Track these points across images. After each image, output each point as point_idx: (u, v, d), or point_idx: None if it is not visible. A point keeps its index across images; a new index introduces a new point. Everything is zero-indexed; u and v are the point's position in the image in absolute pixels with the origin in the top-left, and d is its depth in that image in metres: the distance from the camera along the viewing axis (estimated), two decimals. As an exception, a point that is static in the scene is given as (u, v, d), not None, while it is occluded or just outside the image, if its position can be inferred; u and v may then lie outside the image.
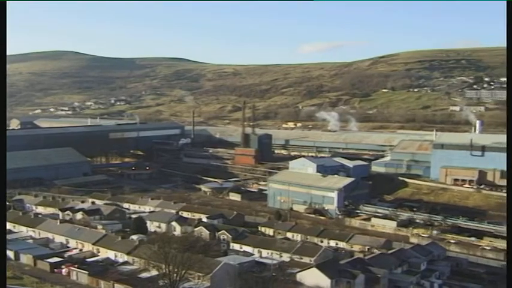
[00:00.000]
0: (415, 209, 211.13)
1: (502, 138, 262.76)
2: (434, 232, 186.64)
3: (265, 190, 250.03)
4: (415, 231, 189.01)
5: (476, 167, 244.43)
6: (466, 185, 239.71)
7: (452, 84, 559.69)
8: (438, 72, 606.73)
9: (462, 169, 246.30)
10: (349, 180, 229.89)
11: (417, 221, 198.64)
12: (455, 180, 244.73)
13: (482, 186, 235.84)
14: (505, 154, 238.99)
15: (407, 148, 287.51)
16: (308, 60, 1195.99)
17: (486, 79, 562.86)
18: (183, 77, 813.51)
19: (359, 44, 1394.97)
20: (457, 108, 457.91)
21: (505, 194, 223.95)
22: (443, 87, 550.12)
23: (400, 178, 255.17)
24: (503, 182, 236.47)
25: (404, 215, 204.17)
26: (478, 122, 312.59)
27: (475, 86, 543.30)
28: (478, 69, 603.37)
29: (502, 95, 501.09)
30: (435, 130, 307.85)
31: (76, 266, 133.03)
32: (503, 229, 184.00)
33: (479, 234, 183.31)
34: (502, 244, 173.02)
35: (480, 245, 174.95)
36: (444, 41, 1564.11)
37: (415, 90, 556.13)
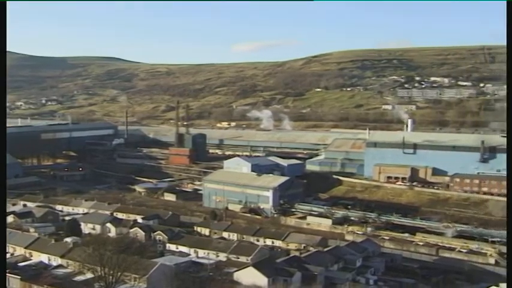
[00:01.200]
0: (349, 207, 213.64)
1: (432, 136, 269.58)
2: (369, 229, 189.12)
3: (201, 190, 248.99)
4: (350, 228, 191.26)
5: (409, 164, 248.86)
6: (399, 183, 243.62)
7: (385, 84, 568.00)
8: (370, 71, 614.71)
9: (395, 167, 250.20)
10: (284, 179, 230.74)
11: (352, 218, 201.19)
12: (389, 177, 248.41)
13: (414, 184, 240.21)
14: (436, 152, 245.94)
15: (341, 147, 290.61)
16: (241, 60, 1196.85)
17: (417, 78, 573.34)
18: (116, 76, 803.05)
19: (292, 43, 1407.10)
20: (389, 107, 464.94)
21: (437, 191, 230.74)
22: (376, 87, 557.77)
23: (335, 176, 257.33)
24: (435, 179, 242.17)
25: (339, 212, 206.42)
26: (409, 121, 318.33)
27: (406, 85, 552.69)
28: (409, 69, 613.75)
29: (433, 94, 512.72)
30: (368, 129, 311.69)
31: (7, 271, 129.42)
32: (435, 225, 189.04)
33: (413, 230, 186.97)
34: (434, 239, 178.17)
35: (413, 241, 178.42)
36: (376, 41, 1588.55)
37: (348, 89, 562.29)
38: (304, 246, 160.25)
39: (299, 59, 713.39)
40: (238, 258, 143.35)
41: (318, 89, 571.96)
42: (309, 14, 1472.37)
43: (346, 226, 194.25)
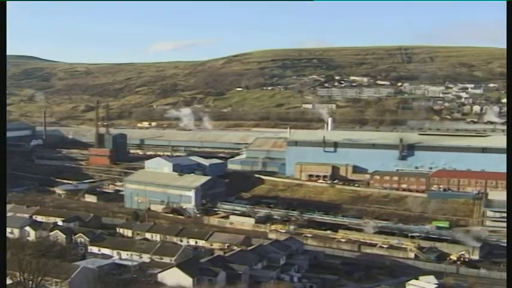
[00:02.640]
0: (272, 206, 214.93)
1: (353, 135, 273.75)
2: (292, 227, 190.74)
3: (122, 191, 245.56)
4: (273, 227, 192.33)
5: (330, 162, 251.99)
6: (320, 181, 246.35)
7: (305, 83, 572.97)
8: (291, 70, 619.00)
9: (316, 165, 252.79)
10: (205, 178, 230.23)
11: (275, 217, 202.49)
12: (310, 176, 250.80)
13: (335, 181, 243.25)
14: (356, 150, 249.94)
15: (263, 146, 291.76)
16: (162, 59, 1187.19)
17: (337, 78, 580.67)
18: (33, 76, 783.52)
19: (212, 42, 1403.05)
20: (309, 106, 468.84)
21: (358, 188, 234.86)
22: (296, 86, 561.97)
23: (257, 175, 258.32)
24: (356, 177, 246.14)
25: (262, 211, 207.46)
26: (330, 119, 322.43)
27: (326, 84, 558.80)
28: (329, 68, 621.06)
29: (352, 93, 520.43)
30: (289, 128, 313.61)
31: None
32: (356, 221, 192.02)
33: (335, 228, 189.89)
34: (356, 236, 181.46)
35: (336, 238, 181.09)
36: (295, 41, 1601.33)
37: (269, 88, 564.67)
38: (227, 246, 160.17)
39: (220, 59, 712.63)
40: (162, 259, 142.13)
41: (239, 89, 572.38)
42: (229, 13, 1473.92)
43: (269, 225, 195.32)
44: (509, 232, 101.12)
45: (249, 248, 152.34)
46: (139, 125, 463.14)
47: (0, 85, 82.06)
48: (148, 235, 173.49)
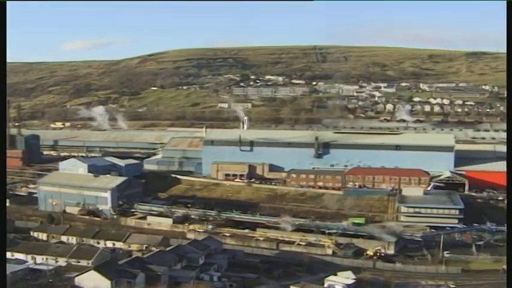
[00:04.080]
0: (189, 205, 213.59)
1: (268, 134, 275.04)
2: (210, 227, 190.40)
3: (36, 193, 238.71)
4: (191, 226, 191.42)
5: (246, 161, 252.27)
6: (237, 180, 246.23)
7: (220, 82, 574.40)
8: (206, 70, 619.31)
9: (233, 164, 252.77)
10: (121, 179, 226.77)
11: (192, 216, 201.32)
12: (227, 175, 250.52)
13: (252, 180, 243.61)
14: (272, 148, 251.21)
15: (179, 145, 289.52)
16: (74, 58, 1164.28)
17: (252, 77, 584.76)
18: None
19: (126, 41, 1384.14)
20: (225, 105, 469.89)
21: (274, 186, 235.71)
22: (212, 85, 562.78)
23: (173, 175, 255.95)
24: (272, 175, 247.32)
25: (180, 211, 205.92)
26: (245, 118, 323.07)
27: (242, 84, 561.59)
28: (244, 68, 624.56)
29: (267, 92, 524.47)
30: (205, 127, 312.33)
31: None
32: (274, 220, 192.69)
33: (253, 226, 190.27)
34: (274, 234, 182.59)
35: (254, 236, 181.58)
36: (208, 40, 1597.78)
37: (184, 88, 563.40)
38: (146, 247, 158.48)
39: (134, 58, 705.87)
40: (79, 262, 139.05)
41: (154, 88, 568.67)
42: (144, 12, 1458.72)
43: (187, 224, 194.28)
44: (509, 232, 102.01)
45: (168, 248, 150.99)
46: (52, 125, 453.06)
47: (0, 85, 79.91)
48: (64, 238, 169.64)
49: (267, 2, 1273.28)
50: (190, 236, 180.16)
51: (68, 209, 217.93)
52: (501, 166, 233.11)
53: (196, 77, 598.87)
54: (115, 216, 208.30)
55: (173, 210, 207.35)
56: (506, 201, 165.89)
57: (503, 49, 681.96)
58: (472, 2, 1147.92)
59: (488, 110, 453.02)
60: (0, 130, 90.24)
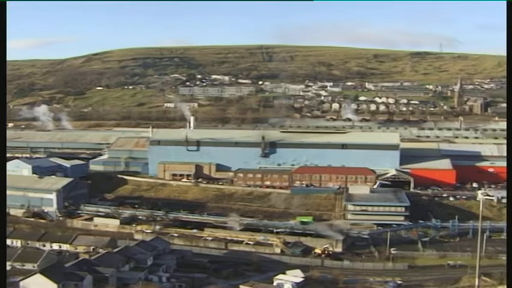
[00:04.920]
0: (136, 206, 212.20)
1: (215, 133, 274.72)
2: (157, 227, 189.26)
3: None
4: (139, 227, 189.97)
5: (193, 161, 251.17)
6: (184, 180, 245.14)
7: (167, 82, 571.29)
8: (152, 69, 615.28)
9: (179, 164, 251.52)
10: (67, 180, 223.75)
11: (140, 217, 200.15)
12: (174, 175, 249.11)
13: (199, 180, 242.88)
14: (219, 148, 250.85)
15: (125, 145, 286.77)
16: (17, 57, 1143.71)
17: (198, 76, 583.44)
18: None
19: (70, 40, 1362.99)
20: (171, 105, 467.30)
21: (222, 186, 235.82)
22: (158, 85, 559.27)
23: (120, 176, 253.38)
24: (219, 175, 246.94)
25: (127, 212, 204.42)
26: (192, 118, 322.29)
27: (188, 83, 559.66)
28: (190, 67, 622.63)
29: (214, 91, 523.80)
30: (151, 127, 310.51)
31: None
32: (222, 219, 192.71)
33: (201, 226, 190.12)
34: (222, 234, 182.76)
35: (202, 236, 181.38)
36: (154, 39, 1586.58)
37: (130, 87, 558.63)
38: (93, 248, 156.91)
39: (79, 57, 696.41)
40: (24, 265, 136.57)
41: (100, 88, 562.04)
42: (89, 10, 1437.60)
43: (134, 225, 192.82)
44: (509, 232, 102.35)
45: (115, 249, 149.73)
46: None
47: (0, 85, 77.96)
48: (8, 241, 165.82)
49: (213, 2, 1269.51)
50: (138, 236, 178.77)
51: (12, 211, 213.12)
52: (445, 164, 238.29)
53: (142, 76, 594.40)
54: (61, 218, 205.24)
55: (120, 211, 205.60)
56: (506, 201, 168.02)
57: (446, 49, 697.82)
58: (414, 2, 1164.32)
59: (432, 109, 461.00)
60: (0, 130, 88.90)
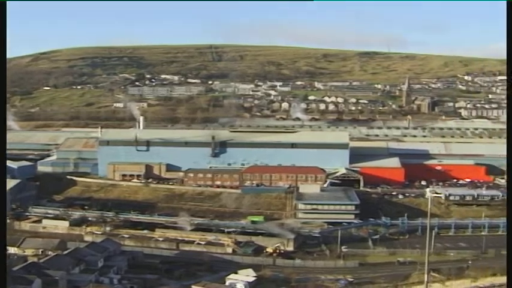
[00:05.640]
0: (86, 207, 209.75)
1: (165, 133, 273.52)
2: (108, 228, 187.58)
3: None
4: (89, 229, 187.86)
5: (143, 161, 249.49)
6: (134, 180, 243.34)
7: (115, 81, 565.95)
8: (101, 69, 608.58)
9: (129, 164, 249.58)
10: (14, 182, 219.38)
11: (90, 218, 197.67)
12: (124, 175, 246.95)
13: (149, 180, 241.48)
14: (169, 148, 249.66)
15: (74, 146, 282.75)
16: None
17: (148, 76, 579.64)
18: None
19: (17, 39, 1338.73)
20: (120, 105, 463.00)
21: (172, 186, 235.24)
22: (107, 84, 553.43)
23: (68, 177, 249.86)
24: (169, 175, 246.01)
25: (76, 213, 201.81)
26: (141, 118, 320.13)
27: (137, 83, 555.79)
28: (139, 67, 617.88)
29: (163, 91, 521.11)
30: (100, 127, 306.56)
31: None
32: (173, 220, 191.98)
33: (151, 227, 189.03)
34: (174, 234, 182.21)
35: (153, 237, 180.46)
36: (103, 39, 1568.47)
37: (79, 87, 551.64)
38: (42, 251, 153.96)
39: (26, 56, 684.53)
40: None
41: (47, 87, 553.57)
42: (36, 8, 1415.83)
43: (84, 227, 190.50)
44: (509, 231, 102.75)
45: (65, 252, 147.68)
46: None
47: (0, 85, 76.25)
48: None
49: (162, 2, 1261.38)
50: (88, 238, 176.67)
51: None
52: (394, 162, 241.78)
53: (90, 76, 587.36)
54: (8, 221, 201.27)
55: (69, 212, 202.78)
56: (506, 201, 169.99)
57: (394, 49, 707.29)
58: (361, 2, 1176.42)
59: (381, 108, 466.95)
60: (0, 130, 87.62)
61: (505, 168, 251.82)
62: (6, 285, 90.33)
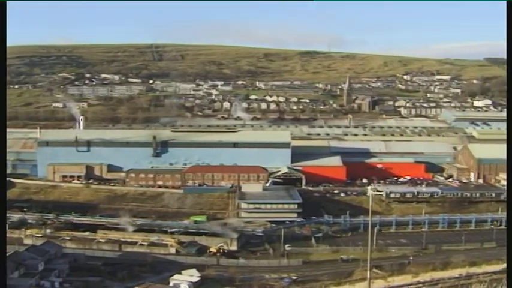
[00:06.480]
0: (25, 209, 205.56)
1: (106, 133, 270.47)
2: (48, 231, 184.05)
3: None
4: (29, 231, 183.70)
5: (83, 162, 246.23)
6: (75, 181, 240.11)
7: (54, 81, 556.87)
8: (39, 68, 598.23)
9: (69, 165, 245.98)
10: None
11: (29, 221, 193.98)
12: (64, 176, 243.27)
13: (90, 181, 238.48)
14: (110, 148, 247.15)
15: (12, 147, 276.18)
16: None
17: (87, 75, 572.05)
18: None
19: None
20: (60, 105, 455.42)
21: (114, 187, 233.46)
22: (45, 84, 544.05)
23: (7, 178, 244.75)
24: (111, 176, 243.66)
25: (15, 216, 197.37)
26: (81, 118, 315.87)
27: (77, 83, 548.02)
28: (79, 66, 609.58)
29: (104, 91, 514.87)
30: (39, 127, 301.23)
31: None
32: (115, 221, 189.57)
33: (93, 228, 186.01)
34: (116, 235, 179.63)
35: (95, 239, 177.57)
36: (40, 38, 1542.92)
37: (16, 87, 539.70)
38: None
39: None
40: None
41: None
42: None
43: (23, 230, 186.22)
44: (509, 231, 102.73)
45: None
46: None
47: (0, 85, 72.82)
48: None
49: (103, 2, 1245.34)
50: (28, 241, 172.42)
51: None
52: (335, 161, 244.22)
53: (28, 75, 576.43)
54: None
55: (8, 215, 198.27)
56: (506, 200, 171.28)
57: (334, 49, 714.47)
58: (302, 2, 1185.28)
59: (322, 107, 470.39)
60: (0, 129, 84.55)
61: (444, 166, 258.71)
62: (6, 284, 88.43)
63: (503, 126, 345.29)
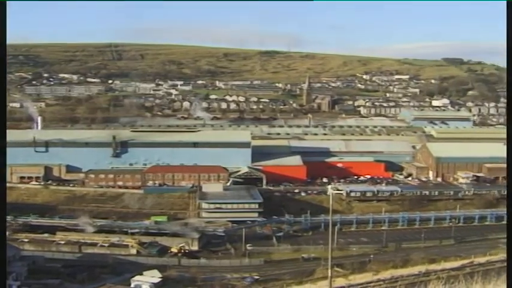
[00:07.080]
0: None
1: (64, 134, 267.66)
2: (7, 233, 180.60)
3: None
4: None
5: (42, 163, 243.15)
6: (33, 182, 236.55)
7: (11, 80, 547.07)
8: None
9: (27, 166, 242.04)
10: None
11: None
12: (22, 178, 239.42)
13: (49, 182, 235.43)
14: (69, 149, 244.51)
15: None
16: None
17: (45, 75, 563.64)
18: None
19: None
20: (17, 105, 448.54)
21: (73, 188, 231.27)
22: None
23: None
24: (70, 176, 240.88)
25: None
26: (39, 118, 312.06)
27: (34, 82, 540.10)
28: (36, 65, 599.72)
29: (62, 90, 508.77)
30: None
31: None
32: (74, 222, 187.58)
33: (52, 230, 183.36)
34: (76, 237, 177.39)
35: (54, 240, 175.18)
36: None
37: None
38: None
39: None
40: None
41: None
42: None
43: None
44: (509, 231, 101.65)
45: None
46: None
47: (0, 85, 68.95)
48: None
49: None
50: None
51: None
52: (295, 160, 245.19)
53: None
54: None
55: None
56: (506, 200, 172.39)
57: (294, 48, 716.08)
58: (261, 2, 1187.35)
59: (282, 107, 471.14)
60: (0, 129, 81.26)
61: (403, 165, 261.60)
62: (6, 284, 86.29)
63: (461, 125, 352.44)
